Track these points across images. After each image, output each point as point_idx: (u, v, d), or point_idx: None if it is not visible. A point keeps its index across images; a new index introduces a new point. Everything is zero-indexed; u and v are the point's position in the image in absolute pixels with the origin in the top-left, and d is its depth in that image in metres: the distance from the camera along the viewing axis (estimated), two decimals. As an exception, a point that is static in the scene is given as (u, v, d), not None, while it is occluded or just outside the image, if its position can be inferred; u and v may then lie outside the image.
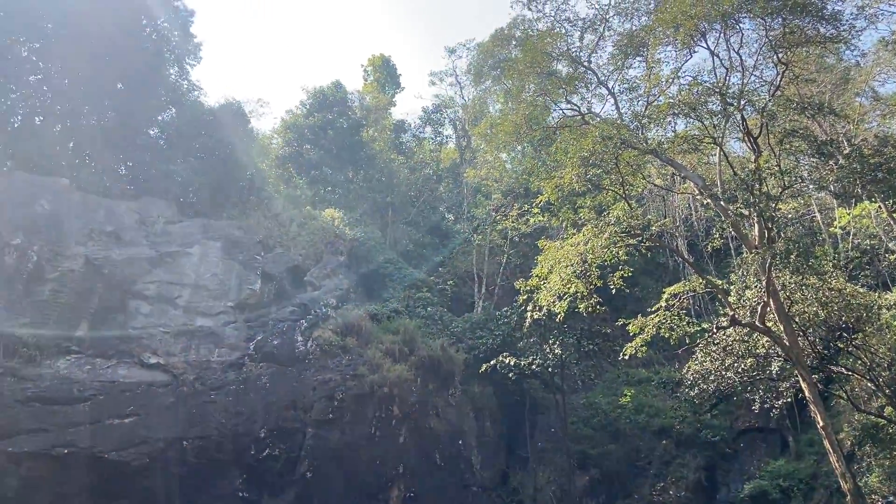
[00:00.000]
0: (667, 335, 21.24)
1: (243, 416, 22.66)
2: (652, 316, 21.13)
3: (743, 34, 21.44)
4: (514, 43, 28.44)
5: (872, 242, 32.39)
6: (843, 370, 21.45)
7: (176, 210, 30.71)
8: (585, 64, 25.14)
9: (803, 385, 19.53)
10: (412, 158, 48.34)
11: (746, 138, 21.46)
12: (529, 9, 26.34)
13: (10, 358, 20.27)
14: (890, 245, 30.97)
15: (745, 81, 21.62)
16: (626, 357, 21.78)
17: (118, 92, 32.93)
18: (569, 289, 21.05)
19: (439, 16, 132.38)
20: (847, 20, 19.95)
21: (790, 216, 32.47)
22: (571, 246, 21.26)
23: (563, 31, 25.58)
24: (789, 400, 24.40)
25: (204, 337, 24.83)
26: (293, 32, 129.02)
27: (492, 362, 28.55)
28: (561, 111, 26.42)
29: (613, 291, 21.85)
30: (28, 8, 29.79)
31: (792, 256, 18.46)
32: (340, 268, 32.98)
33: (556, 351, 28.49)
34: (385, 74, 50.84)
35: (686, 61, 22.94)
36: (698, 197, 25.83)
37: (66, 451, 18.87)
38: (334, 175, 43.88)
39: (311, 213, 35.11)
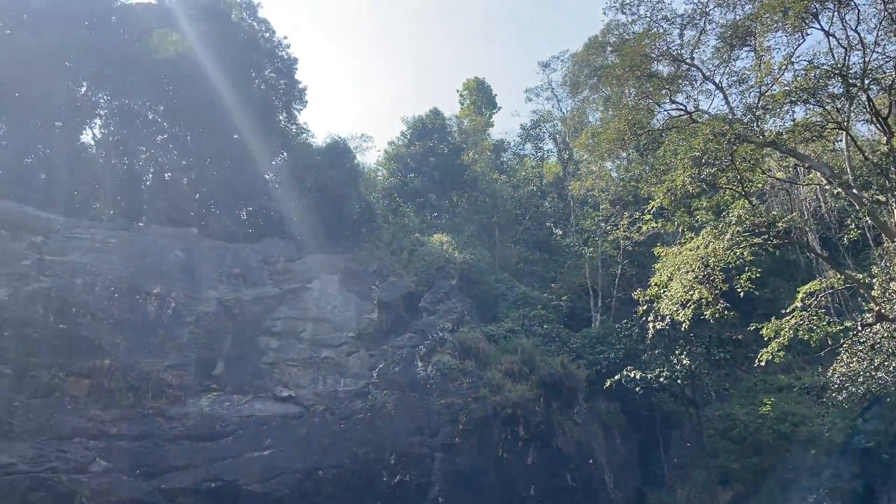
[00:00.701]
0: (806, 337, 19.79)
1: (373, 444, 23.11)
2: (788, 318, 19.78)
3: (859, 10, 20.00)
4: (609, 49, 27.94)
5: None
6: None
7: (294, 248, 32.20)
8: (688, 61, 24.23)
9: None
10: (514, 177, 48.30)
11: (875, 120, 19.89)
12: (623, 13, 25.75)
13: (157, 399, 21.75)
14: None
15: (867, 60, 20.07)
16: (762, 363, 20.47)
17: (234, 143, 35.11)
18: (692, 296, 20.13)
19: (529, 32, 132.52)
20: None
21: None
22: (690, 250, 20.36)
23: (661, 30, 24.81)
24: (953, 398, 22.09)
25: (330, 368, 25.67)
26: (389, 67, 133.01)
27: (616, 377, 27.66)
28: (665, 112, 25.53)
29: (741, 295, 20.65)
30: (152, 76, 32.35)
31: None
32: (453, 291, 33.20)
33: (684, 362, 27.19)
34: (481, 97, 51.30)
35: (799, 45, 21.55)
36: (827, 187, 24.14)
37: (213, 485, 19.92)
38: (439, 200, 44.53)
39: (420, 239, 35.71)
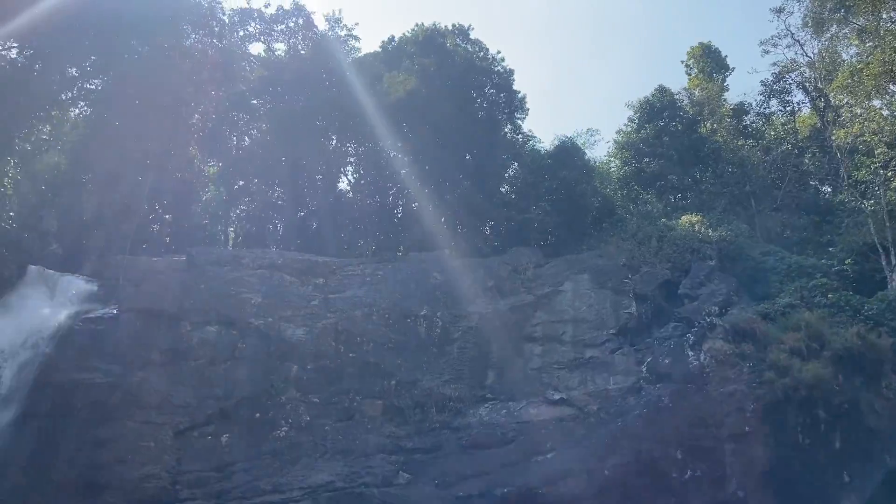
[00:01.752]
0: None
1: (655, 440, 22.33)
2: None
3: None
4: (855, -28, 24.40)
5: None
6: None
7: (540, 254, 32.59)
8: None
9: None
10: (762, 139, 44.05)
11: None
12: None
13: (441, 412, 23.23)
14: None
15: None
16: None
17: (467, 163, 36.75)
18: None
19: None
20: None
21: None
22: None
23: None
24: None
25: (596, 367, 25.43)
26: (602, 56, 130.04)
27: (930, 342, 23.68)
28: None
29: None
30: (386, 117, 35.10)
31: None
32: (713, 272, 31.07)
33: None
34: (709, 62, 47.68)
35: None
36: None
37: (505, 490, 20.71)
38: (681, 180, 42.14)
39: (667, 224, 34.04)
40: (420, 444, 21.89)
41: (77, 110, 33.34)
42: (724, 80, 47.26)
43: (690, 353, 25.34)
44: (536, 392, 24.73)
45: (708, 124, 43.68)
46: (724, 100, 45.75)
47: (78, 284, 28.56)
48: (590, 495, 20.81)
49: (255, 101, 39.08)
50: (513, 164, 40.01)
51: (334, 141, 38.22)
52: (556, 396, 24.15)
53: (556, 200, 36.14)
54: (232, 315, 26.41)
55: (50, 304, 27.20)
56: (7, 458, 22.50)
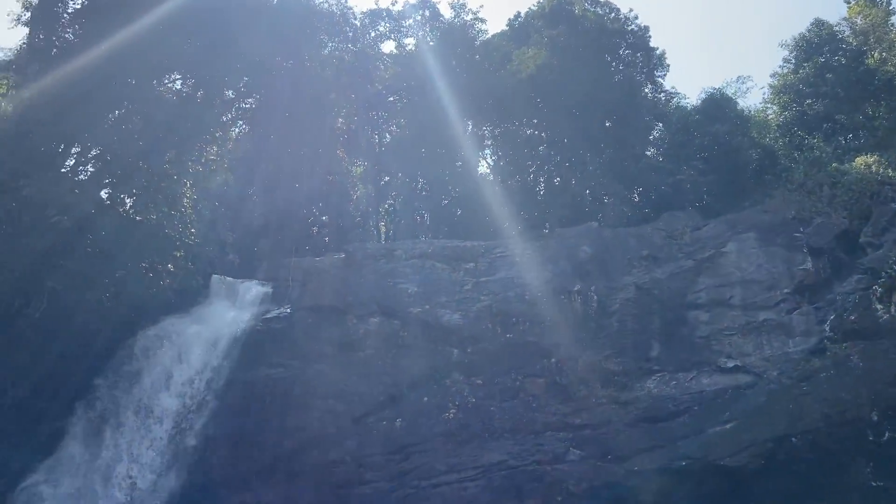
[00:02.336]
0: None
1: (846, 402, 20.61)
2: None
3: None
4: None
5: None
6: None
7: (697, 216, 30.94)
8: None
9: None
10: (947, 60, 38.91)
11: None
12: None
13: (607, 387, 22.82)
14: None
15: None
16: None
17: (608, 130, 35.65)
18: None
19: None
20: None
21: None
22: None
23: None
24: None
25: (771, 330, 23.79)
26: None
27: None
28: None
29: None
30: (521, 95, 34.83)
31: None
32: (898, 216, 28.00)
33: None
34: (872, -15, 42.76)
35: None
36: None
37: (683, 463, 20.04)
38: (850, 119, 38.24)
39: (839, 169, 31.03)
40: (588, 420, 21.66)
41: (237, 129, 36.16)
42: (888, 4, 42.20)
43: (879, 306, 23.13)
44: (707, 361, 23.59)
45: (875, 54, 39.23)
46: (892, 25, 40.87)
47: (255, 288, 31.09)
48: (774, 466, 19.64)
49: (391, 99, 40.34)
50: (657, 125, 38.29)
51: (470, 126, 38.53)
52: (730, 364, 22.91)
53: (709, 158, 34.12)
54: (391, 305, 27.52)
55: (233, 309, 29.85)
56: (211, 450, 25.03)
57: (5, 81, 29.10)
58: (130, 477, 24.35)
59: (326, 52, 35.93)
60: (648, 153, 37.20)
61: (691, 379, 22.61)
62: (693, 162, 34.15)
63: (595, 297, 26.21)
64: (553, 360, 23.96)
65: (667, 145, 36.61)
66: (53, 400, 25.47)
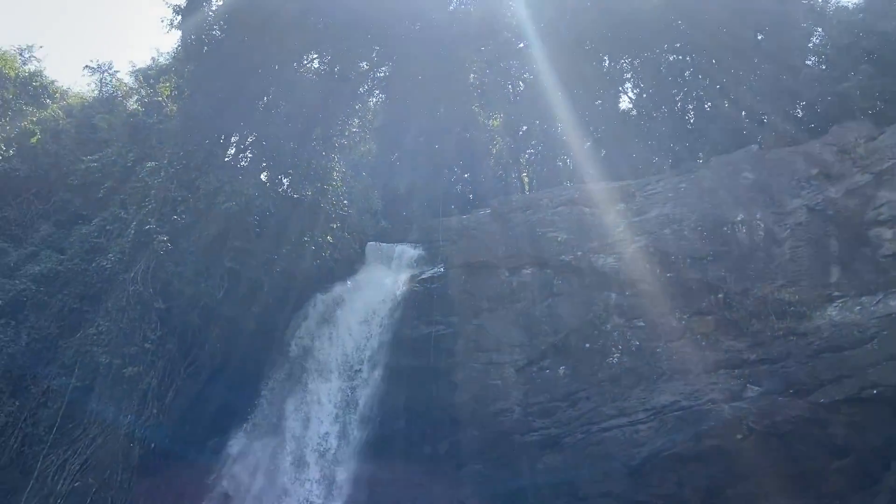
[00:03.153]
0: None
1: None
2: None
3: None
4: None
5: None
6: None
7: (870, 125, 27.76)
8: None
9: None
10: None
11: None
12: None
13: (782, 319, 21.38)
14: None
15: None
16: None
17: (760, 43, 32.85)
18: None
19: None
20: None
21: None
22: None
23: None
24: None
25: (969, 241, 21.13)
26: None
27: None
28: None
29: None
30: (659, 21, 32.80)
31: None
32: None
33: None
34: None
35: None
36: None
37: (874, 391, 18.50)
38: None
39: None
40: (764, 354, 20.46)
41: (374, 99, 37.23)
42: None
43: None
44: (894, 281, 21.40)
45: None
46: None
47: (408, 251, 32.25)
48: None
49: (520, 46, 39.47)
50: (816, 30, 34.53)
51: (606, 61, 36.93)
52: (922, 282, 20.64)
53: (879, 60, 30.27)
54: (542, 256, 27.41)
55: (390, 273, 31.18)
56: (387, 406, 26.60)
57: (168, 84, 31.76)
58: (319, 435, 26.50)
59: (451, 8, 35.78)
60: (808, 63, 33.71)
61: (877, 302, 20.62)
62: (861, 66, 30.52)
63: (762, 226, 24.49)
64: (720, 295, 22.80)
65: (829, 52, 32.95)
66: (246, 368, 28.18)
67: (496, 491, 22.35)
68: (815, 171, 25.72)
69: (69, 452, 24.58)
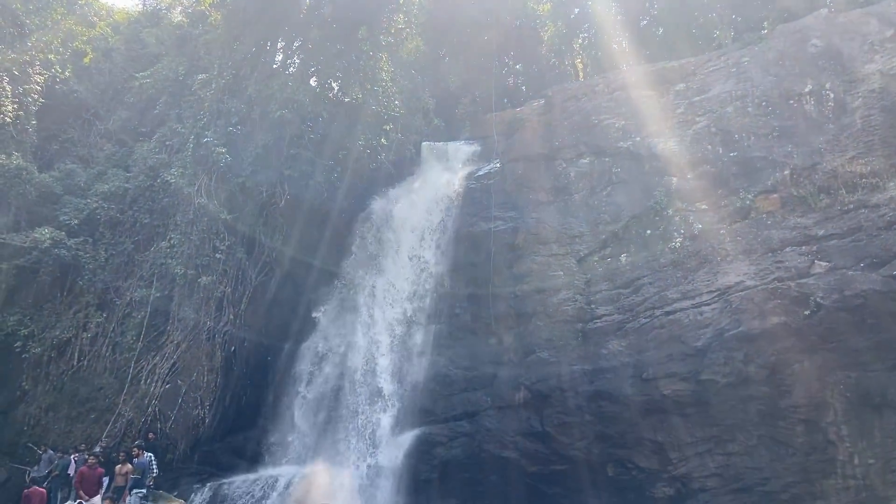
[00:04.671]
0: None
1: None
2: None
3: None
4: None
5: None
6: None
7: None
8: None
9: None
10: None
11: None
12: None
13: (852, 192, 20.61)
14: None
15: None
16: None
17: None
18: None
19: None
20: None
21: None
22: None
23: None
24: None
25: None
26: None
27: None
28: None
29: None
30: None
31: None
32: None
33: None
34: None
35: None
36: None
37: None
38: None
39: None
40: (834, 229, 19.87)
41: (419, -8, 35.87)
42: None
43: None
44: None
45: None
46: None
47: (462, 149, 32.03)
48: None
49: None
50: None
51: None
52: None
53: None
54: (599, 143, 26.87)
55: (446, 171, 31.14)
56: (452, 297, 27.26)
57: (211, -9, 31.28)
58: (388, 329, 27.54)
59: None
60: None
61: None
62: None
63: (831, 95, 23.24)
64: (786, 172, 22.05)
65: None
66: (310, 271, 29.16)
67: (561, 373, 22.98)
68: (889, 33, 23.94)
69: (157, 358, 26.34)
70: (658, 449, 21.31)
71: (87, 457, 19.62)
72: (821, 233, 20.07)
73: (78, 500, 13.81)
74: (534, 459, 23.84)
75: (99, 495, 16.83)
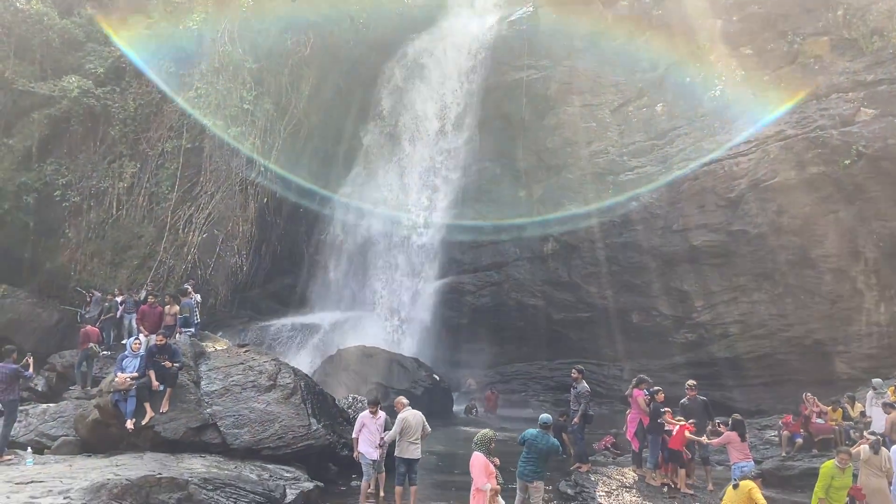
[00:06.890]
0: None
1: None
2: None
3: None
4: None
5: None
6: None
7: None
8: None
9: None
10: None
11: None
12: None
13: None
14: None
15: None
16: None
17: None
18: None
19: None
20: None
21: None
22: None
23: None
24: None
25: None
26: None
27: None
28: None
29: None
30: None
31: None
32: None
33: None
34: None
35: None
36: None
37: None
38: None
39: None
40: (884, 74, 18.87)
41: None
42: None
43: None
44: None
45: None
46: None
47: (492, -9, 30.29)
48: None
49: None
50: None
51: None
52: None
53: None
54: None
55: (475, 17, 29.74)
56: (480, 154, 27.06)
57: None
58: (420, 179, 27.62)
59: None
60: None
61: None
62: None
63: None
64: (839, 12, 20.70)
65: None
66: (344, 122, 28.96)
67: (591, 225, 23.27)
68: None
69: (192, 208, 26.82)
70: (684, 297, 21.81)
71: (138, 298, 20.55)
72: (870, 78, 19.14)
73: (137, 336, 14.71)
74: (559, 307, 24.62)
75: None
